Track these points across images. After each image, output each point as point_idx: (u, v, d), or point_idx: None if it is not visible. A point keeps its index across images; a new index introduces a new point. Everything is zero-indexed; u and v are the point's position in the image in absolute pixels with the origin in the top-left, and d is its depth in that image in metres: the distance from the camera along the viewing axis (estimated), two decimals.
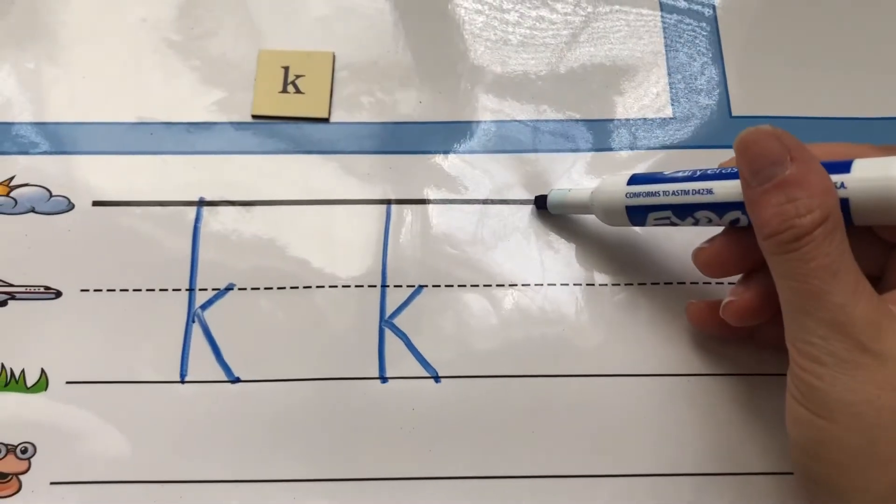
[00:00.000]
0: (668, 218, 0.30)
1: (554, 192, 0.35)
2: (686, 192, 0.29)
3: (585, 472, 0.32)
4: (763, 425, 0.32)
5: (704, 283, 0.35)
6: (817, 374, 0.25)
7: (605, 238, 0.36)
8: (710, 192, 0.29)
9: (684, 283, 0.35)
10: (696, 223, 0.30)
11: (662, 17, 0.41)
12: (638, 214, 0.31)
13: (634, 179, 0.31)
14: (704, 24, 0.40)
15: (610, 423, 0.33)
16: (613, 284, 0.35)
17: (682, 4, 0.41)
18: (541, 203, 0.36)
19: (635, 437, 0.32)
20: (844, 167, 0.26)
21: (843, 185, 0.26)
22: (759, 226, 0.26)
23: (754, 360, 0.33)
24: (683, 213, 0.30)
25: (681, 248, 0.35)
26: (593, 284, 0.35)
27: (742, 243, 0.30)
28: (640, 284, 0.35)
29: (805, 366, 0.26)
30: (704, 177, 0.29)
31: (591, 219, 0.36)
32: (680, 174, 0.30)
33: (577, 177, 0.37)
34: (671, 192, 0.30)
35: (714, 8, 0.41)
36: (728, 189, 0.28)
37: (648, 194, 0.31)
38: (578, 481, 0.32)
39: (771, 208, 0.26)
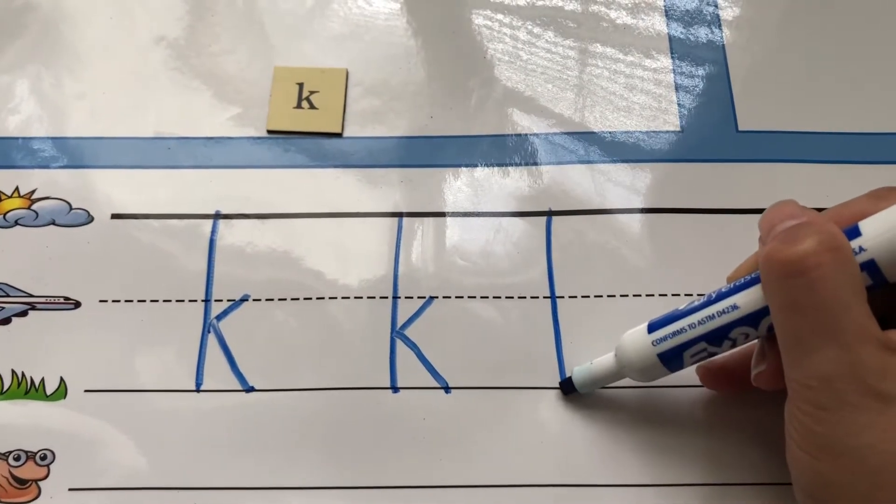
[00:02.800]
0: (705, 350, 0.29)
1: (577, 372, 0.33)
2: (712, 317, 0.28)
3: (594, 482, 0.32)
4: (754, 435, 0.33)
5: None
6: (817, 417, 0.24)
7: (618, 248, 0.36)
8: (735, 307, 0.28)
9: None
10: (734, 344, 0.28)
11: (669, 32, 0.41)
12: (673, 359, 0.30)
13: (653, 326, 0.30)
14: (711, 40, 0.41)
15: (617, 432, 0.33)
16: (621, 295, 0.35)
17: (689, 20, 0.42)
18: (568, 388, 0.33)
19: (643, 448, 0.33)
20: (854, 233, 0.25)
21: (861, 248, 0.25)
22: (762, 256, 0.25)
23: None
24: (718, 338, 0.28)
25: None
26: (601, 296, 0.35)
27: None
28: (647, 296, 0.35)
29: (804, 408, 0.25)
30: (722, 296, 0.28)
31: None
32: (696, 304, 0.29)
33: (585, 188, 0.37)
34: (697, 322, 0.29)
35: (720, 24, 0.41)
36: (753, 297, 0.27)
37: (675, 333, 0.29)
38: (587, 490, 0.32)
39: (776, 240, 0.25)
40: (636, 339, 0.30)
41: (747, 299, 0.27)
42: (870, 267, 0.25)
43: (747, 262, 0.29)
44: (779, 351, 0.26)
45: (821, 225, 0.25)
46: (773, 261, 0.25)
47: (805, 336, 0.24)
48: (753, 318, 0.27)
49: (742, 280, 0.28)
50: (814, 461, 0.25)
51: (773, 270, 0.25)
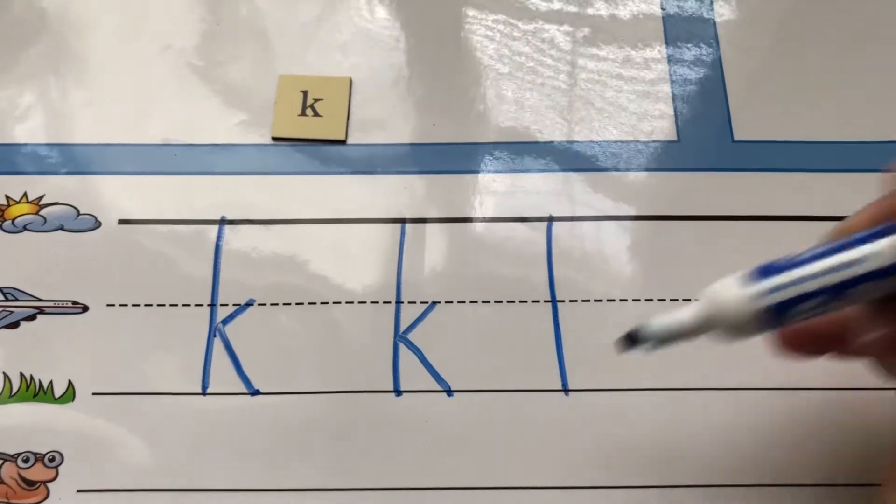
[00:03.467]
0: (817, 307, 0.25)
1: (649, 324, 0.28)
2: (836, 269, 0.25)
3: (595, 484, 0.33)
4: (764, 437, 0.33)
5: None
6: None
7: (620, 252, 0.37)
8: (864, 259, 0.24)
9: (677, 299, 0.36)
10: (850, 303, 0.25)
11: (667, 43, 0.42)
12: (779, 315, 0.25)
13: (760, 273, 0.26)
14: (708, 51, 0.42)
15: (618, 435, 0.33)
16: (621, 300, 0.36)
17: (686, 31, 0.42)
18: (632, 342, 0.28)
19: (644, 450, 0.33)
20: None
21: None
22: None
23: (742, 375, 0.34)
24: (839, 294, 0.25)
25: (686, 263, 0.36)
26: (601, 300, 0.36)
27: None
28: (646, 301, 0.36)
29: None
30: (845, 246, 0.25)
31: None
32: (814, 252, 0.25)
33: (584, 195, 0.38)
34: (818, 272, 0.25)
35: (717, 35, 0.42)
36: (887, 248, 0.24)
37: (789, 284, 0.25)
38: (588, 492, 0.33)
39: None
40: (735, 288, 0.26)
41: (880, 250, 0.24)
42: None
43: (867, 211, 0.26)
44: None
45: None
46: None
47: None
48: (883, 274, 0.24)
49: (867, 232, 0.25)
50: None
51: None
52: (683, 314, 0.27)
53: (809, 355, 0.29)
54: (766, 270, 0.25)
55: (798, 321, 0.26)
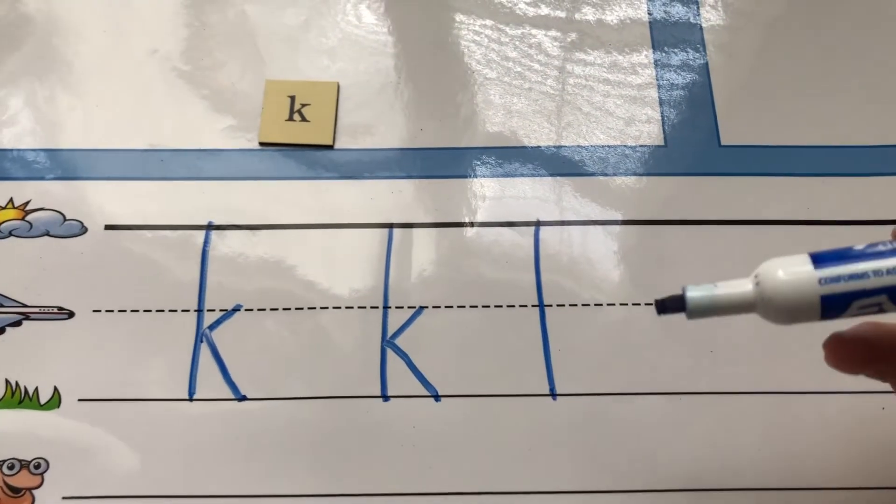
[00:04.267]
0: (879, 305, 0.24)
1: (695, 293, 0.26)
2: None
3: (581, 488, 0.33)
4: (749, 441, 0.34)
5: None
6: None
7: (607, 256, 0.37)
8: None
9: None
10: None
11: (654, 48, 0.42)
12: (837, 304, 0.25)
13: (822, 259, 0.25)
14: (694, 56, 0.42)
15: (605, 439, 0.34)
16: (608, 304, 0.36)
17: (673, 36, 0.43)
18: (672, 307, 0.26)
19: (630, 454, 0.33)
20: None
21: None
22: None
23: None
24: None
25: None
26: (588, 305, 0.36)
27: None
28: (633, 305, 0.36)
29: None
30: None
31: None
32: (883, 248, 0.24)
33: (572, 200, 0.38)
34: (886, 270, 0.24)
35: (703, 41, 0.42)
36: None
37: (853, 277, 0.24)
38: (575, 497, 0.33)
39: None
40: (797, 271, 0.25)
41: None
42: None
43: None
44: None
45: None
46: None
47: None
48: None
49: None
50: None
51: None
52: (731, 288, 0.26)
53: (862, 373, 0.28)
54: (825, 257, 0.25)
55: (861, 315, 0.25)
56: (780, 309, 0.25)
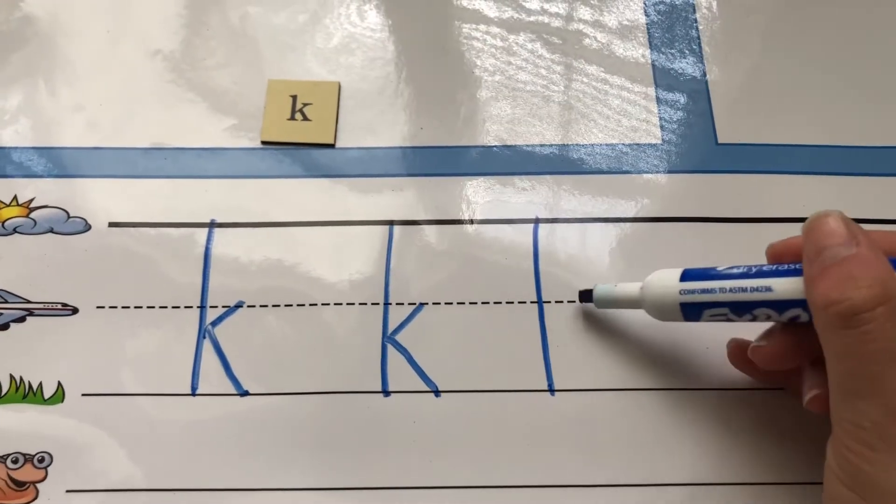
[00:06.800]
0: (725, 315, 0.30)
1: (600, 288, 0.34)
2: (744, 290, 0.29)
3: (580, 482, 0.33)
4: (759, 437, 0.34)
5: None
6: (867, 458, 0.25)
7: (605, 253, 0.37)
8: (769, 289, 0.28)
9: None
10: (754, 319, 0.29)
11: (651, 49, 0.43)
12: (693, 311, 0.31)
13: (688, 275, 0.31)
14: (692, 56, 0.42)
15: (603, 435, 0.34)
16: None
17: (670, 36, 0.43)
18: (585, 297, 0.35)
19: (628, 449, 0.34)
20: None
21: None
22: (816, 297, 0.26)
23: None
24: (741, 310, 0.29)
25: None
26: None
27: (799, 338, 0.29)
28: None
29: (854, 448, 0.25)
30: (762, 273, 0.29)
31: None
32: (735, 270, 0.30)
33: (570, 198, 0.39)
34: (728, 289, 0.29)
35: (700, 40, 0.43)
36: (788, 286, 0.28)
37: (704, 291, 0.30)
38: (573, 491, 0.33)
39: (830, 280, 0.25)
40: (666, 281, 0.31)
41: (783, 288, 0.28)
42: None
43: (794, 241, 0.30)
44: (783, 338, 0.29)
45: (874, 267, 0.25)
46: (829, 312, 0.25)
47: (857, 382, 0.25)
48: (782, 306, 0.28)
49: (784, 267, 0.29)
50: (858, 499, 0.25)
51: (828, 321, 0.25)
52: (625, 288, 0.33)
53: (757, 377, 0.34)
54: (691, 274, 0.31)
55: (714, 321, 0.30)
56: (652, 309, 0.32)
